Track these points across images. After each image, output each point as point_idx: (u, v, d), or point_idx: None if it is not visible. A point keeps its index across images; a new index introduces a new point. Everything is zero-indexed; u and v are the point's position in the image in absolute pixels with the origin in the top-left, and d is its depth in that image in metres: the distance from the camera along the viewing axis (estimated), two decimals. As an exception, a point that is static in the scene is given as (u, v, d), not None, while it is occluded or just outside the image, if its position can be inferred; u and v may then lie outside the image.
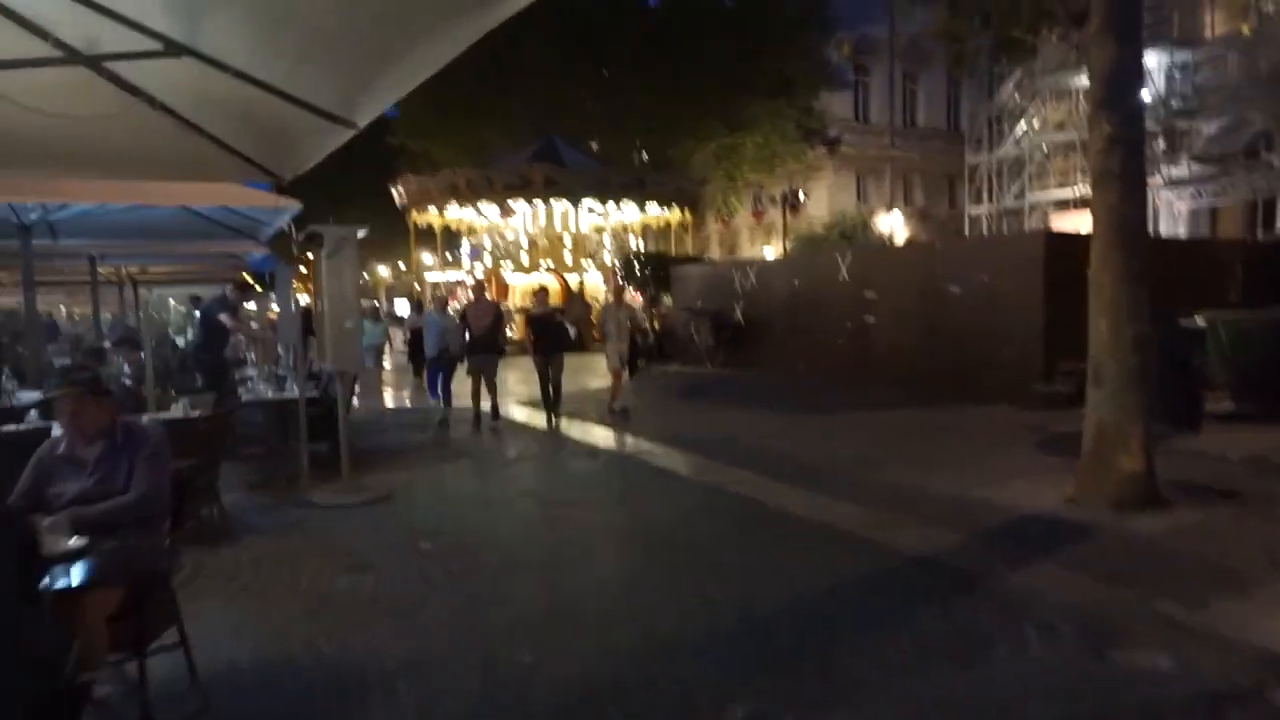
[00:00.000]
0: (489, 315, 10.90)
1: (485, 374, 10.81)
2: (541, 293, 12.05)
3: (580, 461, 8.81)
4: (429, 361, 12.02)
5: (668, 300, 22.80)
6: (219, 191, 8.08)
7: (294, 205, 8.28)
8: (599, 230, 31.65)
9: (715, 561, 5.33)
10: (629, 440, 9.73)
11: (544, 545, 5.92)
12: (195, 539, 5.76)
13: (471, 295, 12.42)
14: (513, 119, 32.91)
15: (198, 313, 10.74)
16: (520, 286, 29.83)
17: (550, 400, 10.87)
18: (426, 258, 36.70)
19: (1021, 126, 30.12)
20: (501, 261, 31.08)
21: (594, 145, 33.22)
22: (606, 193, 28.16)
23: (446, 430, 10.80)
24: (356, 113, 3.40)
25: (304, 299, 16.08)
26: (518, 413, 11.88)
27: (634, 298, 22.82)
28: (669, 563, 5.39)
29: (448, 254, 36.78)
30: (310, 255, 7.54)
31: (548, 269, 29.40)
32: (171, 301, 24.67)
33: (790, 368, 15.46)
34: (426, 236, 34.51)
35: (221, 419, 5.93)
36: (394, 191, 31.87)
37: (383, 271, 56.65)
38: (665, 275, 22.37)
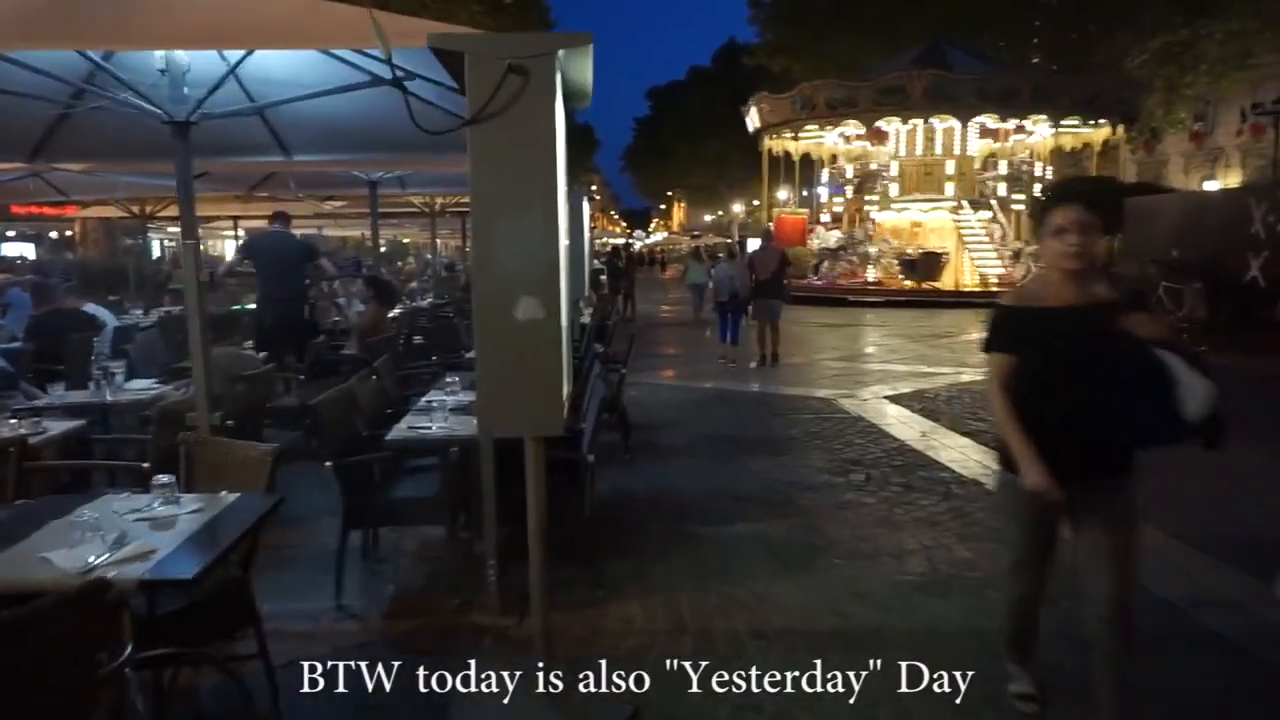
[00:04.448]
0: (774, 262, 11.21)
1: (769, 319, 11.37)
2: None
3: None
4: (717, 307, 12.32)
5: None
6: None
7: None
8: (997, 155, 26.22)
9: None
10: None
11: None
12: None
13: (762, 240, 12.26)
14: (888, 22, 28.12)
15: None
16: (889, 224, 25.48)
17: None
18: (781, 194, 33.18)
19: None
20: (866, 197, 26.87)
21: (998, 45, 27.42)
22: (1014, 105, 22.79)
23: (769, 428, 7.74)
24: None
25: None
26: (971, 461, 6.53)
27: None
28: None
29: (806, 189, 33.15)
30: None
31: (926, 205, 24.64)
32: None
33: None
34: (795, 167, 30.95)
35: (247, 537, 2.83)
36: (746, 116, 28.78)
37: (737, 209, 54.57)
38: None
